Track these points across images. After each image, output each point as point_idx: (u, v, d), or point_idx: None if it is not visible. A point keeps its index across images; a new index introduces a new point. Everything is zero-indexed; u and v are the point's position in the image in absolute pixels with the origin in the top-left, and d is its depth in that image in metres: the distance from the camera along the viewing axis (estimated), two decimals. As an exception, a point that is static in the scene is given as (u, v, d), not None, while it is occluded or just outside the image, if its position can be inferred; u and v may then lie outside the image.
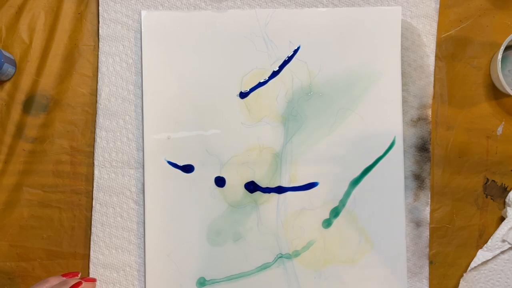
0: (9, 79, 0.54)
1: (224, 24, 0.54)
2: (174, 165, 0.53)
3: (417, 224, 0.53)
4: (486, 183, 0.53)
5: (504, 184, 0.53)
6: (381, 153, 0.53)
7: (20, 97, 0.54)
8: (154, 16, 0.54)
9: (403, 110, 0.53)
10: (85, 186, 0.54)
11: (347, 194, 0.53)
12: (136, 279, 0.53)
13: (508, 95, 0.53)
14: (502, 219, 0.53)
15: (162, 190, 0.53)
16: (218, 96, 0.53)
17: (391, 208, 0.52)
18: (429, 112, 0.53)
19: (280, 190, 0.53)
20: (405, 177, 0.53)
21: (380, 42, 0.53)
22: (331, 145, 0.53)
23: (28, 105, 0.54)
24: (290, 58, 0.53)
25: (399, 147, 0.53)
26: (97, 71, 0.54)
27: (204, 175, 0.53)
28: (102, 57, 0.54)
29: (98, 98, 0.54)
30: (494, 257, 0.52)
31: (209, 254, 0.53)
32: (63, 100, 0.54)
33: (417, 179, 0.53)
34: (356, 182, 0.53)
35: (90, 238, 0.53)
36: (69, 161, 0.54)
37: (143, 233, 0.53)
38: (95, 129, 0.54)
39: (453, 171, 0.54)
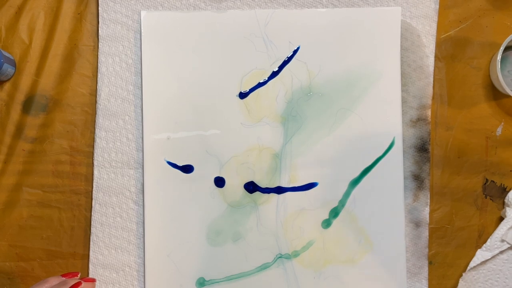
0: (8, 79, 0.54)
1: (223, 25, 0.54)
2: (174, 165, 0.53)
3: (417, 224, 0.53)
4: (485, 183, 0.54)
5: (503, 185, 0.53)
6: (380, 154, 0.53)
7: (20, 97, 0.54)
8: (153, 16, 0.54)
9: (402, 110, 0.53)
10: (85, 186, 0.54)
11: (347, 194, 0.53)
12: (135, 279, 0.53)
13: (507, 96, 0.53)
14: (502, 219, 0.53)
15: (161, 190, 0.53)
16: (217, 96, 0.53)
17: (390, 208, 0.52)
18: (429, 112, 0.53)
19: (279, 190, 0.53)
20: (405, 178, 0.53)
21: (380, 42, 0.53)
22: (330, 145, 0.53)
23: (27, 105, 0.54)
24: (289, 59, 0.53)
25: (398, 148, 0.53)
26: (97, 71, 0.54)
27: (203, 175, 0.53)
28: (101, 57, 0.54)
29: (97, 98, 0.54)
30: (493, 257, 0.52)
31: (208, 254, 0.53)
32: (63, 100, 0.54)
33: (417, 180, 0.53)
34: (355, 182, 0.53)
35: (89, 238, 0.53)
36: (69, 161, 0.54)
37: (142, 233, 0.53)
38: (94, 129, 0.54)
39: (453, 171, 0.54)
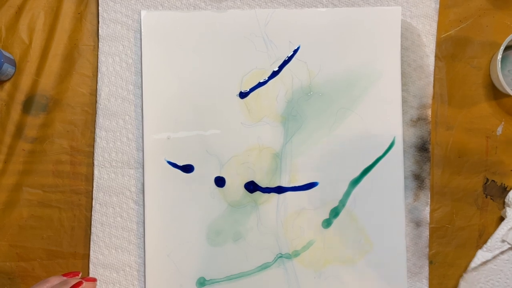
0: (9, 79, 0.54)
1: (224, 24, 0.54)
2: (174, 165, 0.53)
3: (417, 224, 0.53)
4: (485, 183, 0.54)
5: (504, 184, 0.53)
6: (381, 153, 0.53)
7: (20, 97, 0.54)
8: (154, 16, 0.54)
9: (402, 110, 0.53)
10: (85, 186, 0.54)
11: (347, 194, 0.53)
12: (136, 279, 0.53)
13: (507, 95, 0.53)
14: (502, 219, 0.53)
15: (162, 190, 0.53)
16: (218, 96, 0.53)
17: (391, 208, 0.52)
18: (429, 112, 0.53)
19: (280, 190, 0.53)
20: (405, 177, 0.53)
21: (380, 42, 0.53)
22: (330, 145, 0.53)
23: (28, 105, 0.54)
24: (290, 58, 0.53)
25: (398, 147, 0.53)
26: (97, 71, 0.54)
27: (204, 175, 0.53)
28: (102, 57, 0.54)
29: (98, 98, 0.54)
30: (493, 258, 0.52)
31: (209, 254, 0.53)
32: (63, 100, 0.54)
33: (417, 179, 0.53)
34: (356, 182, 0.53)
35: (90, 238, 0.53)
36: (69, 161, 0.54)
37: (143, 233, 0.53)
38: (95, 129, 0.54)
39: (453, 171, 0.54)
